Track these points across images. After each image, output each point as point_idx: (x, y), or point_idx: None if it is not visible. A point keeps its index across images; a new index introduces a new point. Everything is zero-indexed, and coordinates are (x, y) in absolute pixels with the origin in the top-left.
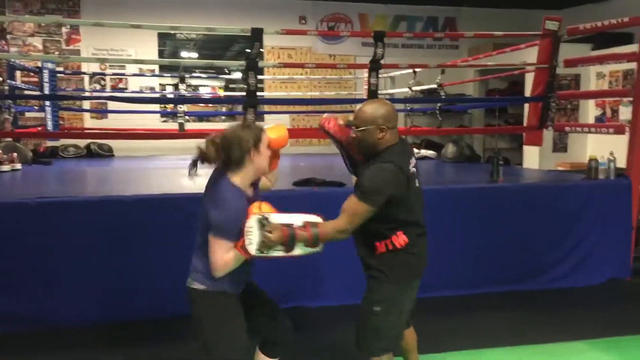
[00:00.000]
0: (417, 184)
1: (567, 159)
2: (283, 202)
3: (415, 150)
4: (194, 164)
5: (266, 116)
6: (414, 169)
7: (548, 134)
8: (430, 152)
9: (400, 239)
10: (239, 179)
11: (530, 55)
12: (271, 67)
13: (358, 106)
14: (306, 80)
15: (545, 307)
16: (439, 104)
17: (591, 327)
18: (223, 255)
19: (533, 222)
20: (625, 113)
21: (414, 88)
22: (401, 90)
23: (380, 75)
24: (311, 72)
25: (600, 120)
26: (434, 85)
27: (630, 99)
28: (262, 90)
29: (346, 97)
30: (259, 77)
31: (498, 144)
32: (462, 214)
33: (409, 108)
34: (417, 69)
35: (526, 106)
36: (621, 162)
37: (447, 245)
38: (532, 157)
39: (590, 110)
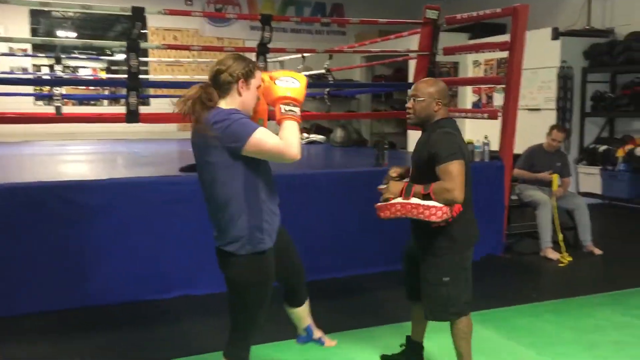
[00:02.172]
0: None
1: None
2: (170, 188)
3: (305, 134)
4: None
5: (152, 100)
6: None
7: None
8: (319, 137)
9: (455, 208)
10: (227, 107)
11: (414, 42)
12: (154, 48)
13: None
14: (193, 63)
15: None
16: (327, 89)
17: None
18: (273, 140)
19: None
20: (499, 99)
21: (303, 73)
22: None
23: (269, 60)
24: (198, 55)
25: (477, 106)
26: (322, 71)
27: (503, 86)
28: (147, 73)
29: None
30: (143, 59)
31: (384, 128)
32: (350, 197)
33: None
34: (305, 54)
35: None
36: (495, 146)
37: (341, 226)
38: (414, 141)
39: (468, 97)
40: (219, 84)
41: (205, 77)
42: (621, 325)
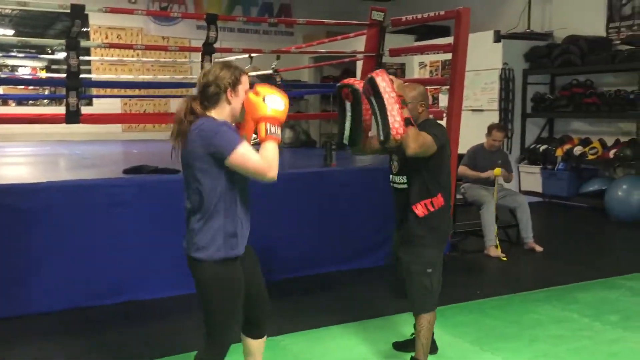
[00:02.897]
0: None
1: None
2: (112, 190)
3: (253, 135)
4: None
5: (95, 100)
6: None
7: None
8: None
9: (438, 201)
10: (217, 117)
11: (361, 43)
12: (95, 47)
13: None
14: (138, 62)
15: (379, 282)
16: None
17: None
18: (256, 158)
19: (363, 203)
20: (444, 100)
21: (251, 73)
22: None
23: (215, 60)
24: (143, 54)
25: None
26: (270, 71)
27: (448, 87)
28: (89, 72)
29: (181, 81)
30: (85, 58)
31: (333, 129)
32: (299, 198)
33: None
34: (252, 54)
35: None
36: None
37: (286, 229)
38: None
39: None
40: (208, 95)
41: (149, 77)
42: (560, 320)
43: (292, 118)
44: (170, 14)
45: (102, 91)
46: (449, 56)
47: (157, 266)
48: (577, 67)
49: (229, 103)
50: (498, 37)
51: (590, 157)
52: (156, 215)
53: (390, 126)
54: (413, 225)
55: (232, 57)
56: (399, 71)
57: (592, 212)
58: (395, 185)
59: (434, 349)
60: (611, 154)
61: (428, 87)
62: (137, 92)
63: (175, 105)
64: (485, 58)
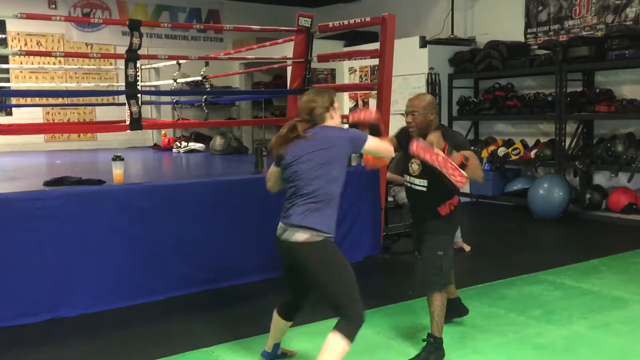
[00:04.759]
0: None
1: None
2: (34, 204)
3: (184, 143)
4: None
5: (14, 110)
6: None
7: None
8: (198, 145)
9: (455, 200)
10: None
11: (290, 49)
12: (11, 55)
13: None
14: (60, 70)
15: None
16: (204, 97)
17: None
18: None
19: None
20: (374, 104)
21: (179, 80)
22: (166, 82)
23: (143, 67)
24: (65, 61)
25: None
26: (199, 78)
27: (375, 91)
28: (7, 80)
29: (106, 90)
30: (3, 66)
31: (265, 135)
32: (230, 206)
33: (174, 100)
34: (181, 61)
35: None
36: None
37: (219, 236)
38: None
39: (345, 102)
40: (314, 116)
41: (73, 85)
42: (488, 316)
43: (223, 125)
44: (91, 20)
45: (22, 100)
46: (376, 61)
47: (80, 281)
48: (498, 72)
49: (332, 119)
50: (424, 43)
51: (514, 157)
52: (80, 228)
53: (454, 181)
54: (435, 222)
55: (160, 64)
56: (329, 76)
57: (516, 211)
58: (414, 186)
59: (464, 311)
60: (532, 154)
61: (358, 92)
62: (59, 100)
63: (101, 113)
64: (412, 63)
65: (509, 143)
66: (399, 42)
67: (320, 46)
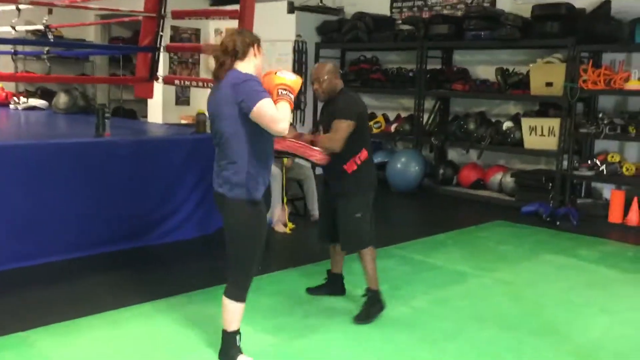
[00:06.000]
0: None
1: (191, 112)
2: None
3: (23, 99)
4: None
5: None
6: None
7: (172, 87)
8: (40, 102)
9: (362, 155)
10: (244, 70)
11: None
12: None
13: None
14: None
15: (154, 263)
16: (47, 48)
17: (200, 278)
18: (275, 110)
19: (142, 177)
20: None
21: (19, 28)
22: (4, 30)
23: None
24: None
25: None
26: (40, 27)
27: None
28: None
29: None
30: None
31: (124, 95)
32: (65, 171)
33: (13, 50)
34: (22, 6)
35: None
36: None
37: (50, 207)
38: (156, 110)
39: (211, 65)
40: (236, 50)
41: None
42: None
43: (74, 81)
44: None
45: None
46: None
47: None
48: (364, 44)
49: (255, 57)
50: (292, 9)
51: (375, 130)
52: None
53: (313, 160)
54: (344, 183)
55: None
56: (193, 37)
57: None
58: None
59: (340, 290)
60: (392, 128)
61: None
62: None
63: None
64: (280, 29)
65: (371, 116)
66: (266, 6)
67: (185, 3)
